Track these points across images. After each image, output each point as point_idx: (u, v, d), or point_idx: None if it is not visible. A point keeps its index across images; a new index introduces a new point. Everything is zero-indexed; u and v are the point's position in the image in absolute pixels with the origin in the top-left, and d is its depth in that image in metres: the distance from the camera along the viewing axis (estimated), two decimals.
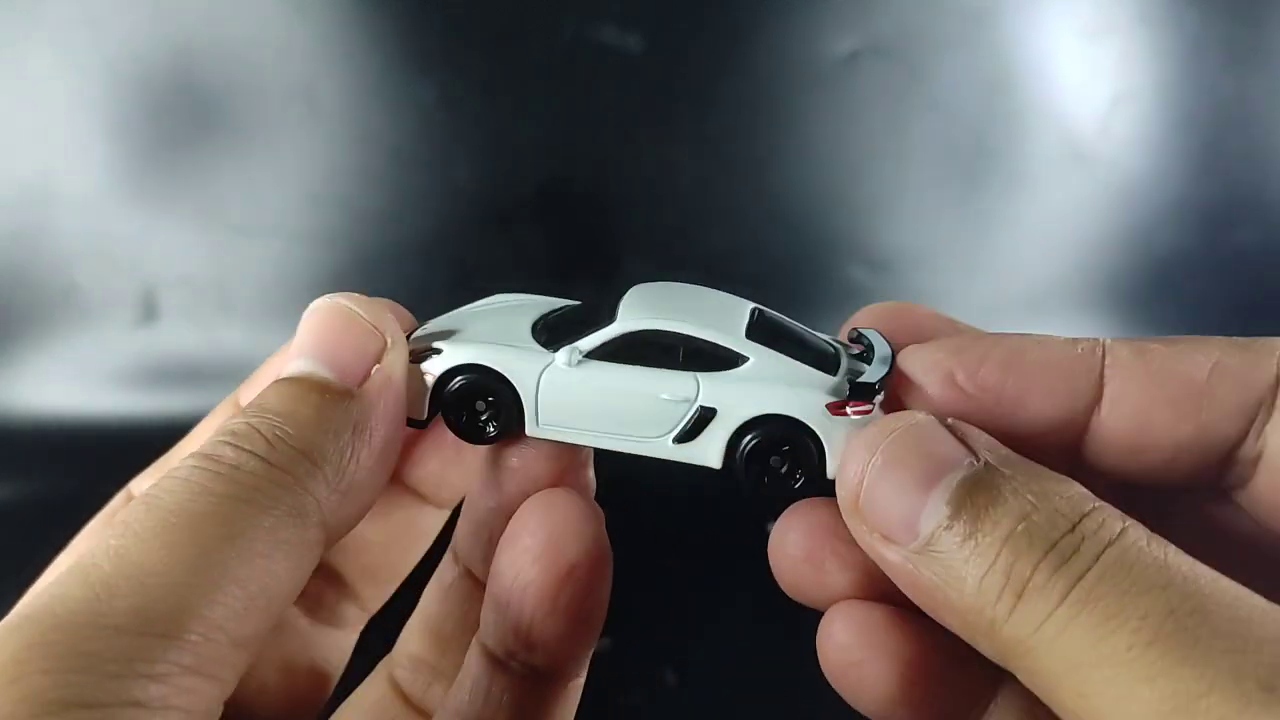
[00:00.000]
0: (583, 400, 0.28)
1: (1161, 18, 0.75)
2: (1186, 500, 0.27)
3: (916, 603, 0.23)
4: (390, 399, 0.26)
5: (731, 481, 0.28)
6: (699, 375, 0.27)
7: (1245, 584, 0.21)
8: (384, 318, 0.27)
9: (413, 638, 0.33)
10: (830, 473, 0.27)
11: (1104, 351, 0.25)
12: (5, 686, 0.18)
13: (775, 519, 0.29)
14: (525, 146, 0.72)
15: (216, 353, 0.72)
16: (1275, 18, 0.76)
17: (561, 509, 0.29)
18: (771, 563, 0.28)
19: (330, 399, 0.25)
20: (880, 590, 0.27)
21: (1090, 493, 0.22)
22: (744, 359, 0.28)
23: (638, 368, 0.28)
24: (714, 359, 0.28)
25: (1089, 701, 0.19)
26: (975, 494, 0.22)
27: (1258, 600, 0.19)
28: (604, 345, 0.28)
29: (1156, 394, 0.25)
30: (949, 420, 0.24)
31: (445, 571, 0.33)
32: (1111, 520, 0.21)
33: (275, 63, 0.69)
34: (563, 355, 0.28)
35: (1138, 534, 0.20)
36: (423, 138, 0.71)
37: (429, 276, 0.72)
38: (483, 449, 0.30)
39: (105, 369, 0.71)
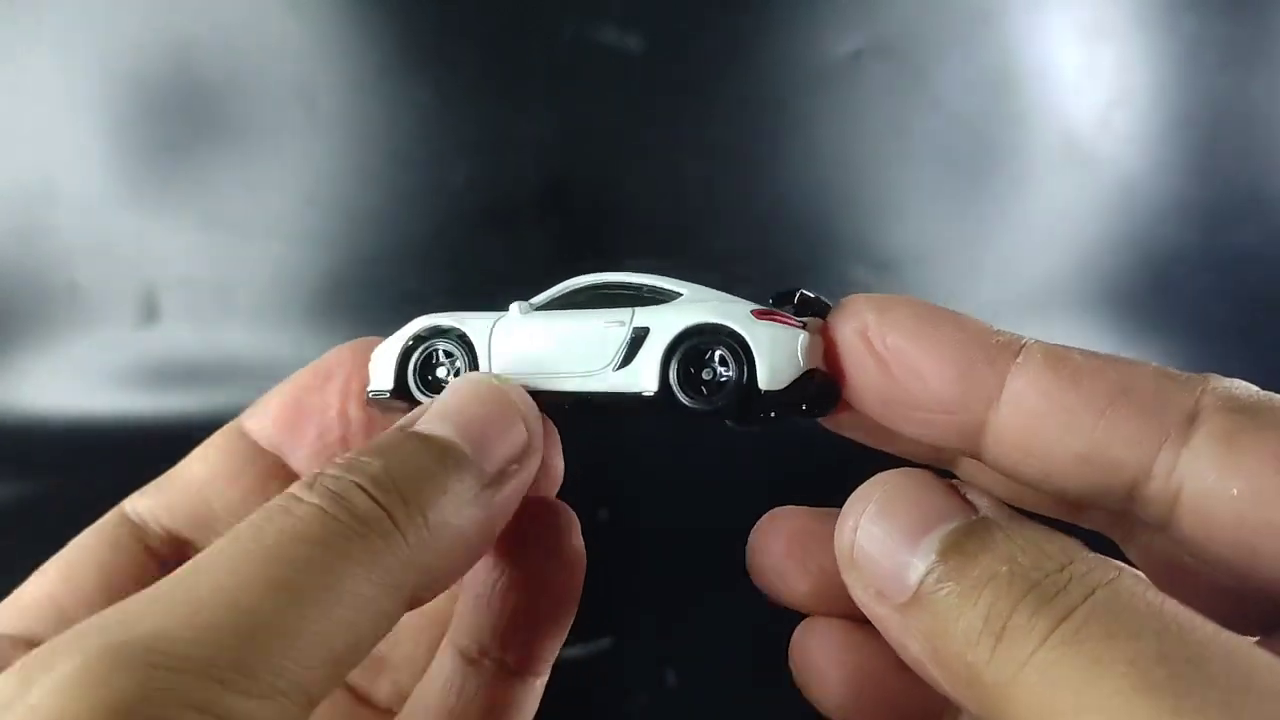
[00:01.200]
0: (531, 344, 0.29)
1: (1160, 19, 0.75)
2: (1140, 538, 0.27)
3: (912, 667, 0.22)
4: (514, 499, 0.26)
5: (675, 410, 0.28)
6: (636, 308, 0.29)
7: None
8: (538, 421, 0.27)
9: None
10: (763, 379, 0.27)
11: (1020, 349, 0.24)
12: (91, 694, 0.18)
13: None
14: (525, 147, 0.72)
15: (216, 353, 0.72)
16: (1273, 18, 0.76)
17: (539, 515, 0.30)
18: (749, 569, 0.30)
19: (466, 477, 0.24)
20: (838, 598, 0.27)
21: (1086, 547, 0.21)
22: (679, 294, 0.29)
23: (584, 310, 0.29)
24: (653, 300, 0.29)
25: None
26: (965, 542, 0.21)
27: (1259, 654, 0.18)
28: (554, 299, 0.30)
29: (1053, 402, 0.23)
30: (953, 480, 0.23)
31: None
32: (1104, 566, 0.20)
33: (275, 63, 0.69)
34: (514, 308, 0.30)
35: (1132, 581, 0.19)
36: (422, 138, 0.71)
37: (429, 276, 0.72)
38: None
39: (105, 369, 0.71)
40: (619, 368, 0.28)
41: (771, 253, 0.74)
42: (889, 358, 0.25)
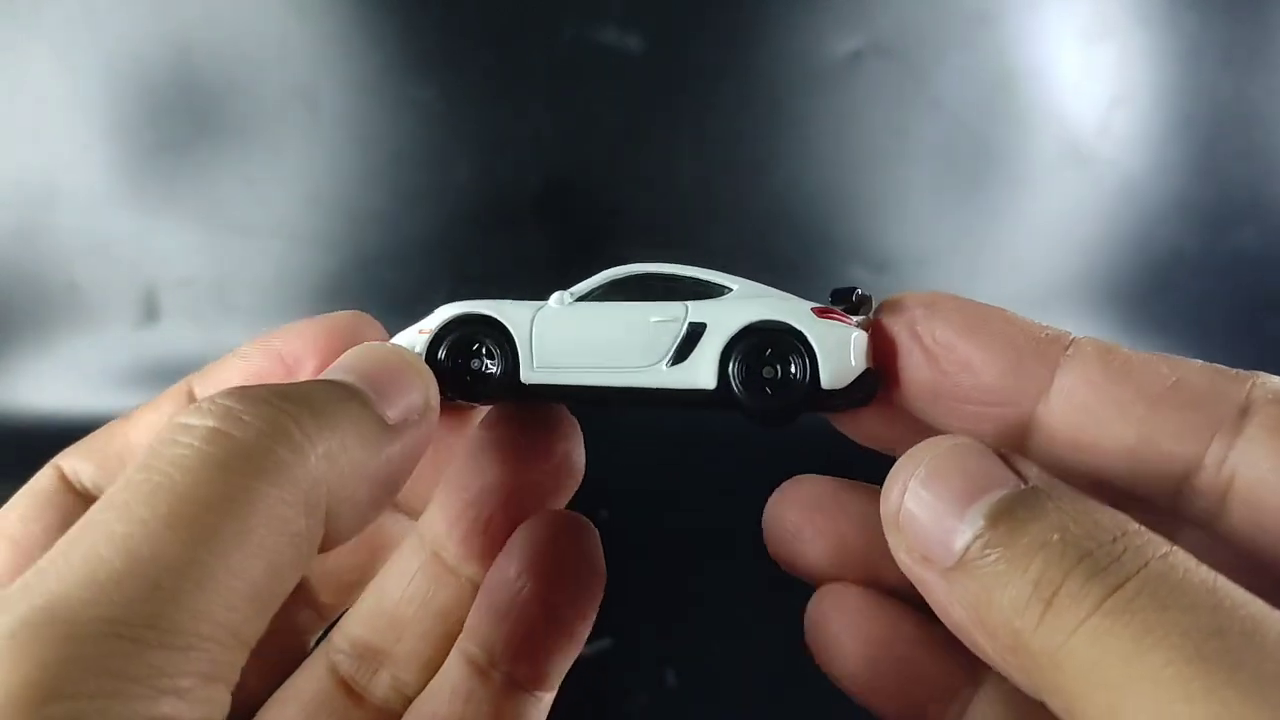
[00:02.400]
0: (577, 337, 0.28)
1: (1160, 19, 0.75)
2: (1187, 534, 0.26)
3: (954, 631, 0.22)
4: (413, 452, 0.25)
5: (730, 408, 0.27)
6: (689, 302, 0.28)
7: None
8: (431, 381, 0.26)
9: (360, 622, 0.32)
10: (825, 379, 0.27)
11: (1070, 343, 0.25)
12: (19, 713, 0.16)
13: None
14: (526, 147, 0.72)
15: (216, 353, 0.71)
16: (1273, 19, 0.76)
17: (563, 529, 0.30)
18: (765, 535, 0.29)
19: (377, 429, 0.24)
20: (857, 567, 0.28)
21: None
22: (729, 289, 0.29)
23: (628, 302, 0.28)
24: (701, 293, 0.28)
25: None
26: (1016, 508, 0.21)
27: None
28: (594, 289, 0.29)
29: (1105, 394, 0.24)
30: (1000, 449, 0.23)
31: (409, 554, 0.32)
32: (1157, 540, 0.20)
33: (276, 63, 0.69)
34: (554, 298, 0.28)
35: (1184, 556, 0.19)
36: (423, 138, 0.71)
37: (429, 276, 0.72)
38: (472, 423, 0.31)
39: (105, 369, 0.71)
40: (673, 364, 0.27)
41: (771, 252, 0.74)
42: (939, 352, 0.25)
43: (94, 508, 0.20)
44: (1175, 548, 0.19)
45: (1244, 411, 0.23)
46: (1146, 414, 0.23)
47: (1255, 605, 0.18)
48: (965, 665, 0.27)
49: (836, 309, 0.27)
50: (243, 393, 0.22)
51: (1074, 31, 0.74)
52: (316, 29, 0.69)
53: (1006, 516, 0.21)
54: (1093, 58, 0.74)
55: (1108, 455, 0.24)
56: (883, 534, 0.25)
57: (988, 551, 0.20)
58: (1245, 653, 0.17)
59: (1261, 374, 0.24)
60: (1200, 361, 0.24)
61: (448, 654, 0.31)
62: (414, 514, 0.32)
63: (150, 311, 0.71)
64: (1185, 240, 0.77)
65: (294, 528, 0.20)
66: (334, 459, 0.22)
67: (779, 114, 0.73)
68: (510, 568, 0.30)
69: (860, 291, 0.28)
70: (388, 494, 0.25)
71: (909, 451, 0.23)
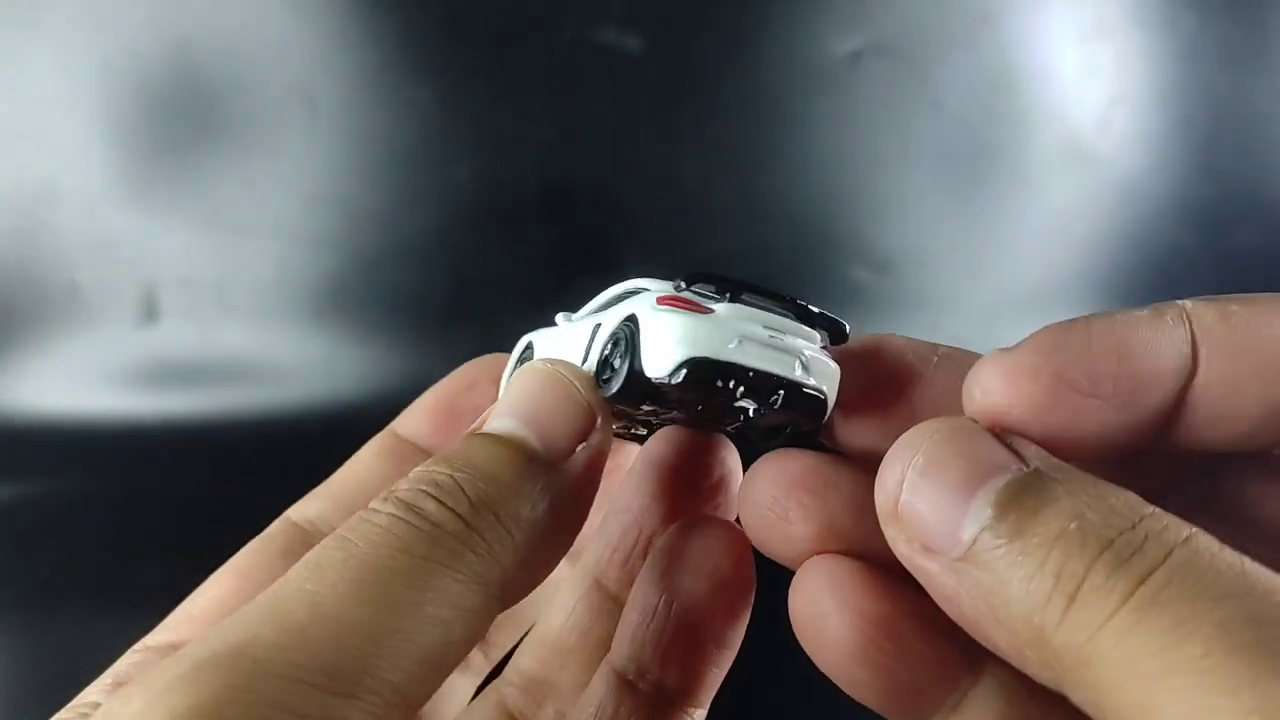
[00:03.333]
0: (551, 351, 0.30)
1: (1160, 19, 0.75)
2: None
3: (961, 623, 0.21)
4: (589, 479, 0.26)
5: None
6: (614, 306, 0.28)
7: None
8: (596, 396, 0.27)
9: (528, 654, 0.32)
10: (644, 363, 0.25)
11: (1189, 320, 0.23)
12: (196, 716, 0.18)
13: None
14: (525, 147, 0.72)
15: (216, 353, 0.72)
16: (1273, 19, 0.76)
17: (713, 533, 0.29)
18: (740, 515, 0.27)
19: (535, 467, 0.25)
20: (844, 545, 0.26)
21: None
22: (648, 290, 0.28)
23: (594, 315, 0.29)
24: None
25: (1155, 715, 0.17)
26: (1024, 495, 0.20)
27: None
28: (587, 308, 0.30)
29: (1244, 361, 0.23)
30: (995, 429, 0.22)
31: (572, 583, 0.32)
32: (1176, 523, 0.19)
33: (276, 63, 0.69)
34: (558, 319, 0.31)
35: (1207, 540, 0.19)
36: (423, 138, 0.71)
37: (429, 277, 0.72)
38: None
39: (105, 369, 0.71)
40: (582, 362, 0.28)
41: (771, 253, 0.74)
42: (1099, 390, 0.23)
43: (292, 569, 0.22)
44: (1196, 530, 0.19)
45: None
46: None
47: None
48: (965, 653, 0.25)
49: (684, 297, 0.26)
50: (418, 479, 0.24)
51: (1074, 31, 0.74)
52: (315, 29, 0.69)
53: (1015, 504, 0.20)
54: (1093, 58, 0.74)
55: (1250, 420, 0.23)
56: (869, 518, 0.24)
57: (999, 542, 0.20)
58: None
59: None
60: None
61: None
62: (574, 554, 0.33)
63: (150, 311, 0.71)
64: (1185, 240, 0.77)
65: (466, 603, 0.22)
66: (504, 537, 0.23)
67: (779, 114, 0.73)
68: (655, 575, 0.29)
69: (817, 310, 0.27)
70: (571, 526, 0.26)
71: (902, 438, 0.22)
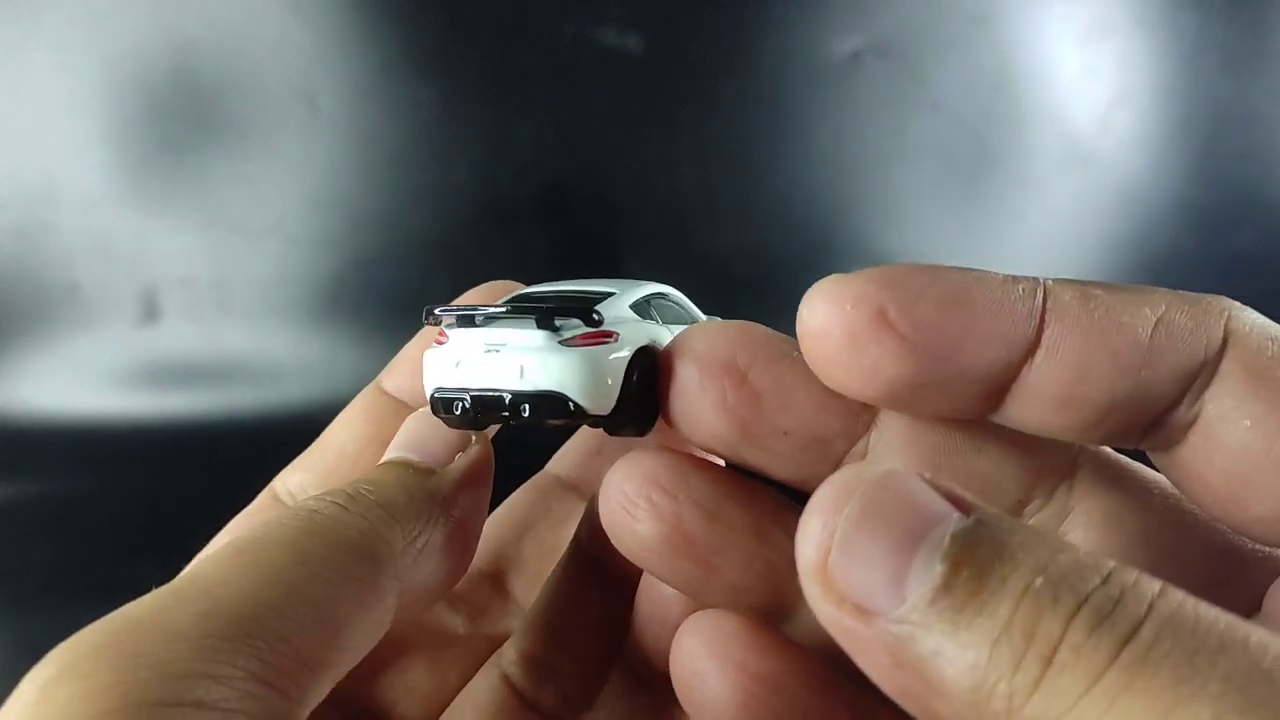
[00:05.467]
0: None
1: (1160, 19, 0.75)
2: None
3: (896, 693, 0.19)
4: (469, 480, 0.28)
5: None
6: None
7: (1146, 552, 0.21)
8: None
9: (524, 632, 0.32)
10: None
11: (1045, 293, 0.23)
12: (71, 686, 0.19)
13: None
14: (525, 147, 0.72)
15: (216, 353, 0.72)
16: (1273, 19, 0.76)
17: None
18: (599, 509, 0.26)
19: (413, 473, 0.27)
20: (694, 549, 0.25)
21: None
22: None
23: None
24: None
25: None
26: (975, 547, 0.18)
27: None
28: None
29: (1097, 346, 0.22)
30: (926, 475, 0.19)
31: (568, 563, 0.32)
32: (1145, 576, 0.17)
33: (276, 63, 0.69)
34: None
35: (1180, 592, 0.17)
36: (423, 138, 0.71)
37: (429, 277, 0.72)
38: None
39: (105, 369, 0.71)
40: None
41: (771, 253, 0.74)
42: (918, 337, 0.22)
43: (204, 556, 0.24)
44: (1164, 581, 0.17)
45: (1220, 346, 0.22)
46: (1139, 361, 0.22)
47: (1273, 642, 0.16)
48: (862, 712, 0.24)
49: (442, 331, 0.28)
50: (339, 492, 0.26)
51: (1074, 31, 0.74)
52: (316, 29, 0.69)
53: (969, 558, 0.17)
54: (1093, 58, 0.74)
55: (1095, 406, 0.22)
56: (721, 526, 0.24)
57: (952, 602, 0.17)
58: None
59: (1227, 300, 0.23)
60: (1168, 291, 0.23)
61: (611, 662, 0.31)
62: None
63: (150, 311, 0.71)
64: (1185, 240, 0.77)
65: (351, 570, 0.24)
66: (381, 519, 0.25)
67: (779, 114, 0.73)
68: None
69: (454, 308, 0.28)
70: (460, 533, 0.28)
71: (827, 485, 0.19)
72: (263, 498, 0.34)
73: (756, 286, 0.73)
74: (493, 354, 0.26)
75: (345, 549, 0.24)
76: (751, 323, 0.26)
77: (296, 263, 0.72)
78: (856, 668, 0.19)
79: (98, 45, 0.68)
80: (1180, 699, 0.15)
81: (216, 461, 0.69)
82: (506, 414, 0.26)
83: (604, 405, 0.26)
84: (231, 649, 0.20)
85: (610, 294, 0.29)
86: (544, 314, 0.26)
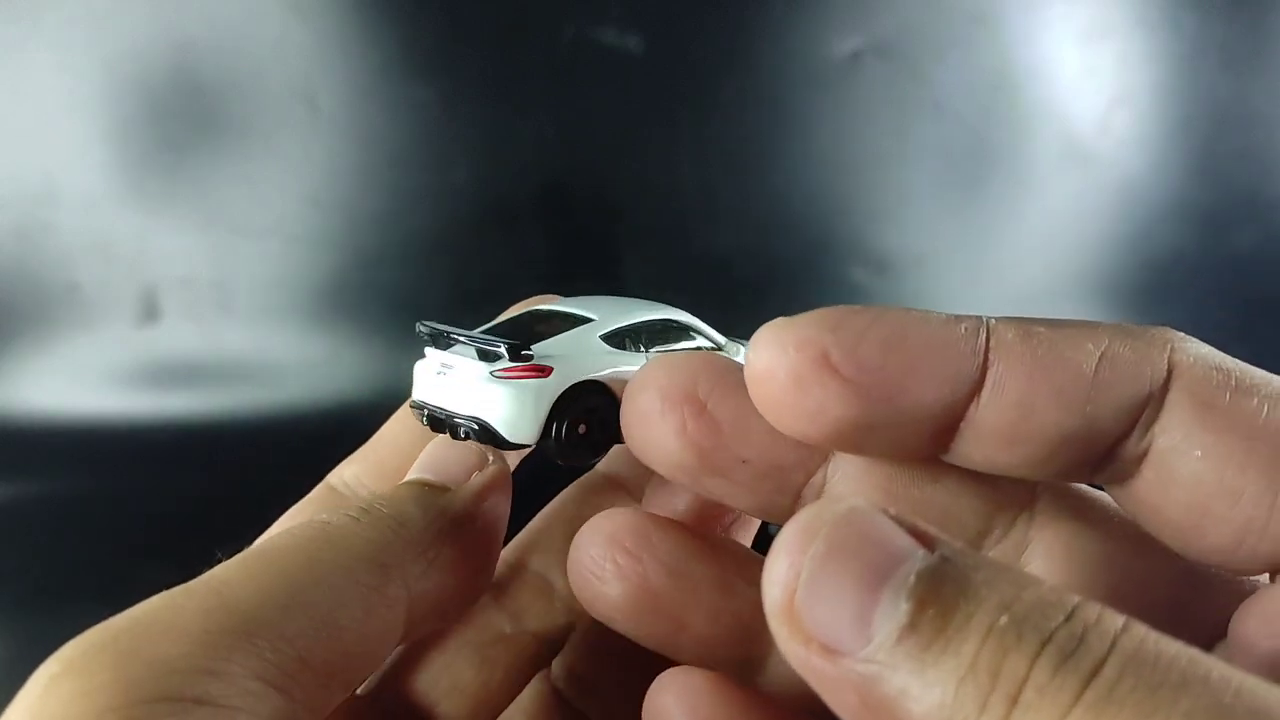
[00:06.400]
0: None
1: (1160, 19, 0.75)
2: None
3: None
4: (483, 496, 0.28)
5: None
6: None
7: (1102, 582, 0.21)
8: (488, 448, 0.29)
9: (571, 646, 0.32)
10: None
11: (988, 332, 0.22)
12: (73, 683, 0.19)
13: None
14: (525, 147, 0.72)
15: (217, 353, 0.72)
16: (1273, 19, 0.76)
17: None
18: (569, 571, 0.27)
19: (428, 490, 0.28)
20: (659, 610, 0.26)
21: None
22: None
23: None
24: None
25: None
26: (941, 586, 0.18)
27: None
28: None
29: (1041, 382, 0.22)
30: (890, 510, 0.19)
31: None
32: (1109, 611, 0.17)
33: (276, 63, 0.69)
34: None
35: (1142, 626, 0.17)
36: (423, 138, 0.71)
37: (429, 277, 0.72)
38: None
39: (105, 369, 0.71)
40: None
41: (771, 253, 0.74)
42: (862, 379, 0.22)
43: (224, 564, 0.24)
44: (1128, 617, 0.17)
45: (1166, 379, 0.22)
46: (1085, 397, 0.22)
47: (1235, 676, 0.16)
48: None
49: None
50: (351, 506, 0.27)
51: (1074, 31, 0.74)
52: (316, 29, 0.69)
53: (934, 597, 0.17)
54: (1093, 58, 0.74)
55: (1044, 443, 0.23)
56: (687, 583, 0.25)
57: (918, 640, 0.17)
58: None
59: (1171, 331, 0.23)
60: (1110, 324, 0.23)
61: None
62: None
63: (150, 311, 0.71)
64: (1185, 241, 0.77)
65: (360, 578, 0.24)
66: (394, 531, 0.26)
67: (779, 115, 0.73)
68: None
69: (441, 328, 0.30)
70: (474, 550, 0.28)
71: (792, 523, 0.19)
72: (319, 489, 0.34)
73: (756, 286, 0.73)
74: (444, 376, 0.29)
75: (354, 556, 0.24)
76: (715, 353, 0.27)
77: (296, 263, 0.72)
78: (830, 718, 0.19)
79: (98, 45, 0.68)
80: None
81: (216, 461, 0.69)
82: (450, 433, 0.29)
83: (525, 435, 0.28)
84: (232, 645, 0.20)
85: (588, 320, 0.30)
86: (486, 346, 0.28)
